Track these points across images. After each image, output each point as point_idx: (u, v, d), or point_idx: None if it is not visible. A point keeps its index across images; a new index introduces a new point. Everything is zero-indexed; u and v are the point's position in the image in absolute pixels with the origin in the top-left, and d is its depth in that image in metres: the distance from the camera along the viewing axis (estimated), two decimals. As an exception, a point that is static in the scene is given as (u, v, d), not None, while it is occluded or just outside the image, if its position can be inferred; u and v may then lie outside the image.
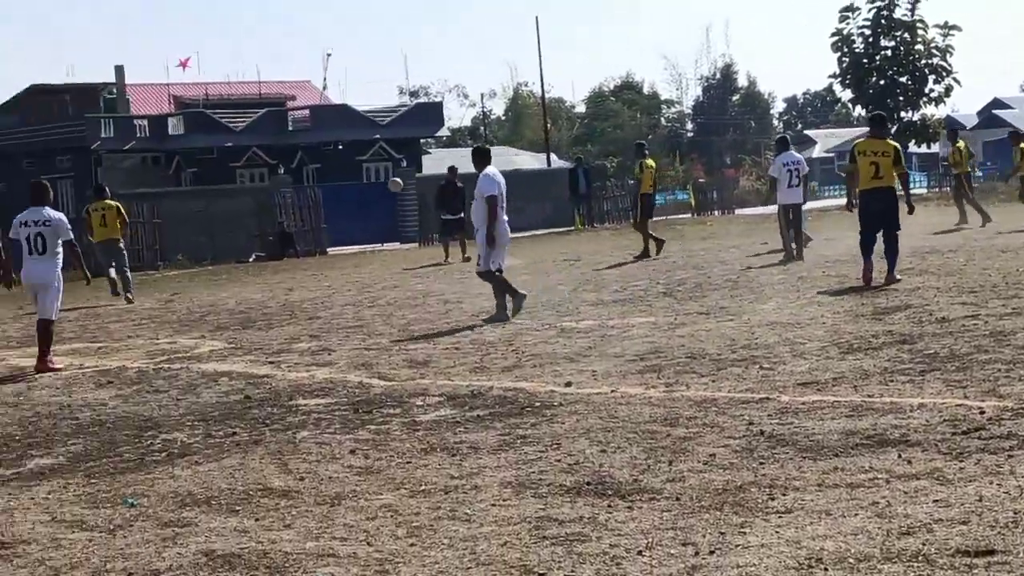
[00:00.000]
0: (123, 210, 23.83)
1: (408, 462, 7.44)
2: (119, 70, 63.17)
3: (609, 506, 6.10)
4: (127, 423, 9.52)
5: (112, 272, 22.43)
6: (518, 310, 14.83)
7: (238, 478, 7.30)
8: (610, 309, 15.07)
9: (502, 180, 15.13)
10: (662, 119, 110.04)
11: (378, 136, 62.18)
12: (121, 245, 23.11)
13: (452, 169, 29.86)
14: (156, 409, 10.08)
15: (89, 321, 19.06)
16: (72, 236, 13.87)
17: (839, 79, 49.22)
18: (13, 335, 17.71)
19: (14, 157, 61.28)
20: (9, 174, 62.96)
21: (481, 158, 15.44)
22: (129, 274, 22.84)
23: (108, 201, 23.89)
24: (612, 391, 9.32)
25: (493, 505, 6.28)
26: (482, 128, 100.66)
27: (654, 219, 26.85)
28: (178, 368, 12.49)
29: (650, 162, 25.26)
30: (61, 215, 13.98)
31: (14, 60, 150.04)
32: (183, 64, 66.70)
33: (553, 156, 74.33)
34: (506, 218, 15.10)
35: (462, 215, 27.63)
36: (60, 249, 13.73)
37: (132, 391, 11.20)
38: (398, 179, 28.08)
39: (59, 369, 13.07)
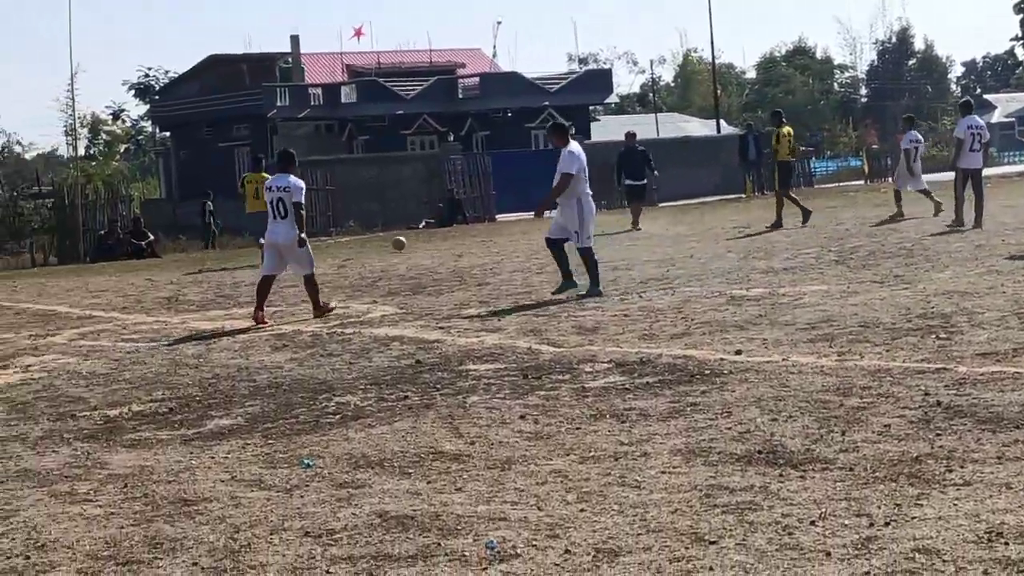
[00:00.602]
0: None
1: (577, 428, 7.46)
2: (294, 40, 64.37)
3: (781, 475, 6.04)
4: (302, 386, 9.71)
5: (262, 240, 22.96)
6: (562, 291, 14.57)
7: (410, 441, 7.40)
8: (781, 277, 14.89)
9: (583, 157, 14.94)
10: (835, 84, 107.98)
11: (547, 103, 62.24)
12: None
13: (631, 135, 29.56)
14: (330, 372, 10.26)
15: (265, 286, 19.44)
16: (301, 199, 14.76)
17: (1022, 42, 47.84)
18: (193, 299, 18.19)
19: (194, 125, 62.88)
20: (189, 142, 64.70)
21: (561, 135, 15.24)
22: None
23: (264, 174, 24.63)
24: (783, 360, 9.21)
25: (663, 472, 6.26)
26: (651, 95, 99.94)
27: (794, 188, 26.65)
28: (351, 332, 12.70)
29: (787, 130, 25.45)
30: (300, 182, 14.95)
31: (194, 31, 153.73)
32: (357, 33, 67.53)
33: (723, 122, 73.59)
34: (590, 192, 14.93)
35: (645, 181, 27.50)
36: (293, 210, 14.70)
37: (307, 354, 11.42)
38: (402, 238, 28.03)
39: (332, 309, 14.72)
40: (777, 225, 23.40)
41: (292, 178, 14.83)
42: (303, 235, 14.68)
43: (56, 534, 5.93)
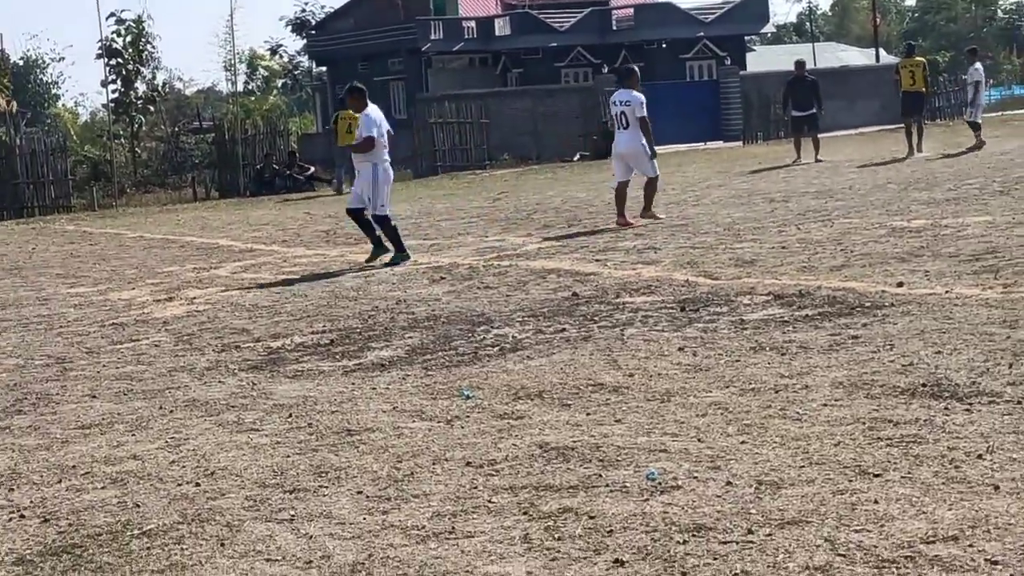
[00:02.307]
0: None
1: (737, 360, 7.40)
2: (448, -28, 64.30)
3: (946, 408, 5.93)
4: (460, 318, 9.79)
5: (342, 173, 27.82)
6: (372, 259, 14.17)
7: (568, 373, 7.42)
8: (943, 208, 14.56)
9: (383, 121, 14.52)
10: (998, 11, 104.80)
11: (702, 34, 61.44)
12: None
13: (800, 63, 28.27)
14: (487, 305, 10.32)
15: (423, 219, 19.64)
16: (644, 112, 16.21)
17: None
18: (351, 232, 18.41)
19: (349, 60, 63.43)
20: (345, 77, 65.12)
21: (359, 98, 14.77)
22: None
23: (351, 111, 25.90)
24: (946, 292, 9.02)
25: (824, 405, 6.19)
26: (808, 24, 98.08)
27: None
28: (507, 265, 12.75)
29: (917, 59, 26.36)
30: (642, 96, 16.33)
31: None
32: (511, -35, 67.27)
33: (882, 51, 71.90)
34: (388, 159, 14.47)
35: (813, 111, 26.75)
36: (637, 123, 16.16)
37: (464, 287, 11.50)
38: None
39: (659, 219, 15.90)
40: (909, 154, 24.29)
41: (634, 92, 16.29)
42: (646, 144, 16.19)
43: (224, 462, 6.08)
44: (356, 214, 14.56)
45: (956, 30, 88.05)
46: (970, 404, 5.97)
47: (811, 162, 25.23)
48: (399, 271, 13.06)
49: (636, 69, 17.57)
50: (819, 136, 26.60)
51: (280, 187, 33.63)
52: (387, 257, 14.07)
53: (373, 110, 14.54)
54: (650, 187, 16.29)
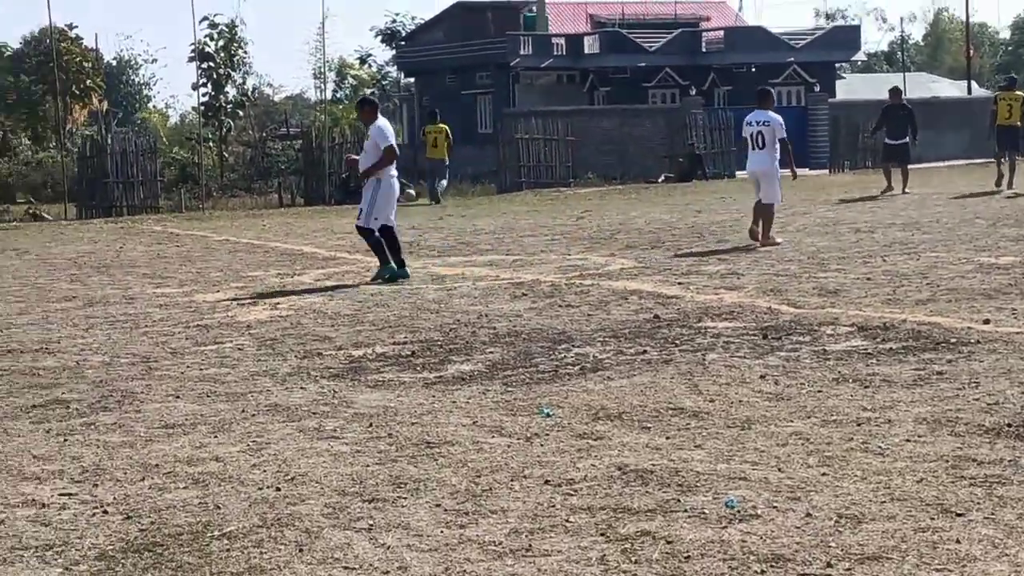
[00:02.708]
0: (450, 134, 29.95)
1: (819, 391, 7.36)
2: (540, -11, 64.49)
3: (1032, 450, 5.86)
4: (541, 335, 9.80)
5: (435, 184, 29.63)
6: (380, 279, 13.96)
7: (649, 396, 7.41)
8: (1034, 245, 14.37)
9: (392, 132, 14.48)
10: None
11: (792, 59, 61.13)
12: (446, 164, 30.16)
13: (896, 91, 27.64)
14: (568, 323, 10.33)
15: (505, 234, 19.69)
16: (784, 134, 16.66)
17: None
18: (434, 244, 18.50)
19: (438, 72, 63.74)
20: (433, 88, 65.63)
21: (370, 109, 14.71)
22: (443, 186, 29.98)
23: (441, 125, 27.63)
24: (1035, 331, 8.90)
25: (907, 440, 6.14)
26: (899, 53, 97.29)
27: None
28: (589, 284, 12.75)
29: (1017, 93, 25.49)
30: (779, 117, 16.88)
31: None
32: (603, -17, 67.40)
33: (974, 84, 71.12)
34: (394, 173, 14.38)
35: (906, 140, 26.10)
36: (777, 145, 16.57)
37: (545, 304, 11.51)
38: (412, 191, 28.41)
39: (777, 244, 15.79)
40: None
41: (771, 113, 16.81)
42: (777, 166, 16.65)
43: (305, 468, 6.13)
44: (387, 231, 14.39)
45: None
46: (1057, 447, 5.90)
47: (899, 193, 24.94)
48: (482, 286, 13.09)
49: (772, 91, 18.21)
50: (908, 167, 26.22)
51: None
52: (389, 274, 14.05)
53: (384, 122, 14.56)
54: (767, 212, 16.33)
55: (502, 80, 59.76)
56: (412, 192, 29.51)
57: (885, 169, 26.71)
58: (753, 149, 16.71)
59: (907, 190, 25.22)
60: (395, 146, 14.33)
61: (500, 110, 51.71)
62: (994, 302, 10.36)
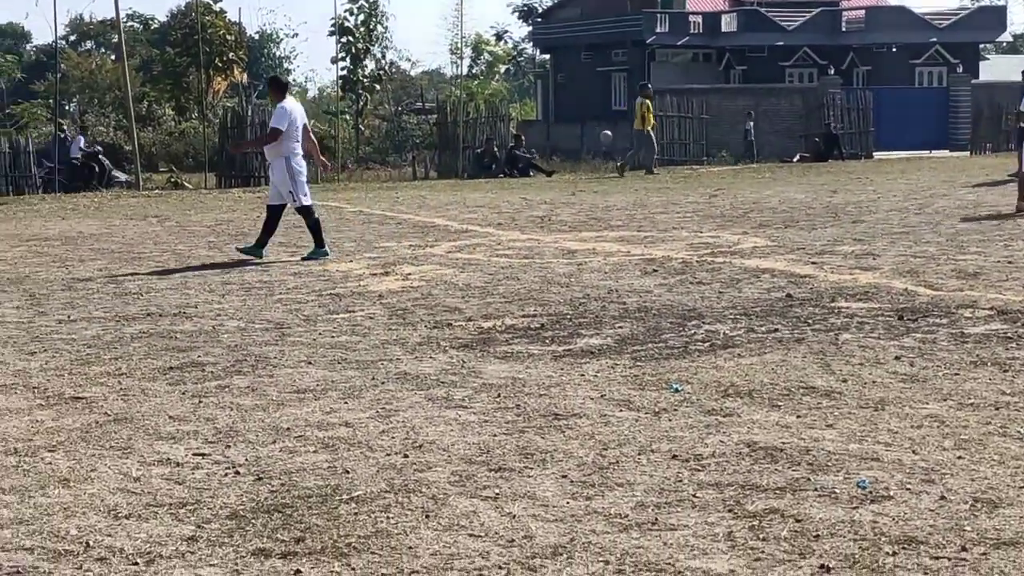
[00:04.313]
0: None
1: (956, 374, 7.20)
2: (677, -34, 64.01)
3: None
4: (671, 311, 9.73)
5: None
6: (314, 257, 14.02)
7: (780, 374, 7.32)
8: None
9: (297, 115, 14.25)
10: None
11: (935, 39, 59.89)
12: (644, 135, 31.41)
13: None
14: (699, 300, 10.24)
15: (636, 211, 19.60)
16: None
17: None
18: (565, 219, 18.47)
19: (573, 49, 63.67)
20: (567, 65, 65.60)
21: (278, 89, 14.58)
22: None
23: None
24: None
25: (1048, 426, 5.98)
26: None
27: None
28: (721, 262, 12.63)
29: None
30: None
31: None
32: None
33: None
34: (300, 152, 14.20)
35: None
36: None
37: (676, 281, 11.43)
38: (608, 132, 28.22)
39: None
40: None
41: None
42: None
43: (432, 436, 6.16)
44: (274, 211, 14.48)
45: None
46: None
47: None
48: (612, 261, 13.03)
49: None
50: None
51: (498, 172, 33.95)
52: (320, 254, 14.16)
53: (289, 102, 14.47)
54: None
55: (637, 57, 59.45)
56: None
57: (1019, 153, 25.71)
58: None
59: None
60: (284, 127, 14.23)
61: (634, 88, 51.44)
62: None
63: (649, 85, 33.93)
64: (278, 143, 14.25)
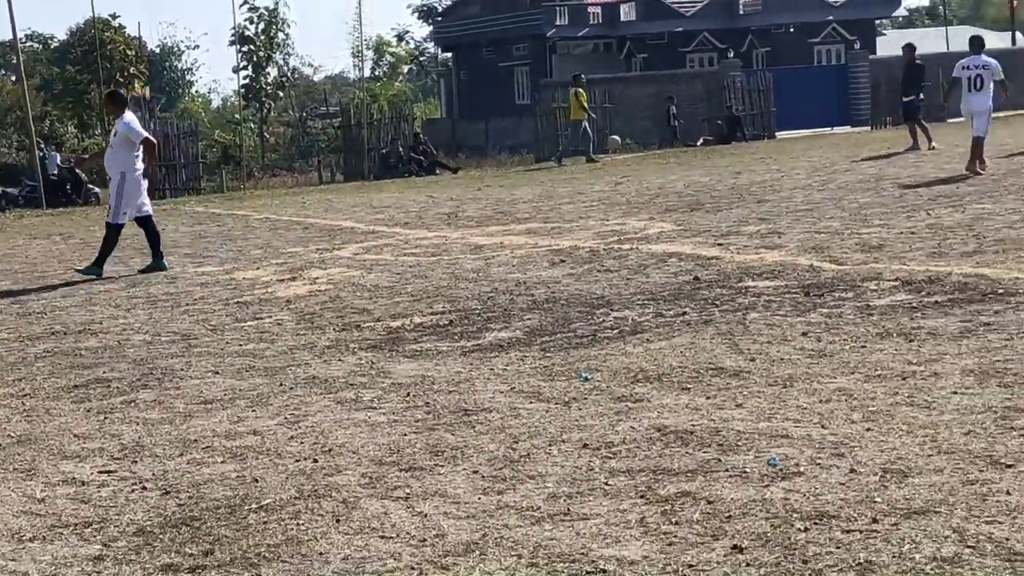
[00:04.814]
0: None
1: (862, 346, 7.23)
2: (574, -43, 64.16)
3: (1082, 399, 5.73)
4: (579, 300, 9.71)
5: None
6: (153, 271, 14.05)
7: (688, 356, 7.31)
8: (1081, 195, 14.12)
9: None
10: None
11: (831, 18, 60.58)
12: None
13: (908, 47, 27.44)
14: (607, 288, 10.23)
15: (543, 202, 19.59)
16: (1001, 75, 18.74)
17: None
18: (472, 215, 18.42)
19: (474, 46, 63.62)
20: (470, 62, 65.56)
21: (117, 103, 14.56)
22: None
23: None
24: (1084, 280, 8.73)
25: (954, 393, 6.01)
26: (941, 7, 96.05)
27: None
28: (628, 249, 12.64)
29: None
30: (995, 61, 18.97)
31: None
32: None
33: (1018, 35, 70.16)
34: (139, 167, 14.07)
35: (911, 97, 25.68)
36: (991, 86, 18.81)
37: (583, 270, 11.42)
38: (616, 137, 28.86)
39: (979, 174, 17.42)
40: None
41: (986, 57, 18.99)
42: (991, 104, 18.77)
43: (342, 439, 6.09)
44: (140, 223, 14.32)
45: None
46: (1107, 394, 5.76)
47: (925, 150, 24.34)
48: (520, 254, 13.00)
49: (983, 36, 20.57)
50: (925, 123, 25.77)
51: (404, 172, 33.88)
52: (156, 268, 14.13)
53: (131, 116, 14.34)
54: (977, 145, 18.00)
55: (539, 51, 59.55)
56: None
57: (910, 127, 26.01)
58: (970, 91, 18.73)
59: (933, 146, 24.63)
60: (152, 139, 14.29)
61: (537, 81, 51.51)
62: (1042, 252, 10.18)
63: (582, 75, 34.19)
64: (122, 155, 13.96)
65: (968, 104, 18.97)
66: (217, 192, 33.83)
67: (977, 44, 19.69)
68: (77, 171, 33.35)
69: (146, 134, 14.23)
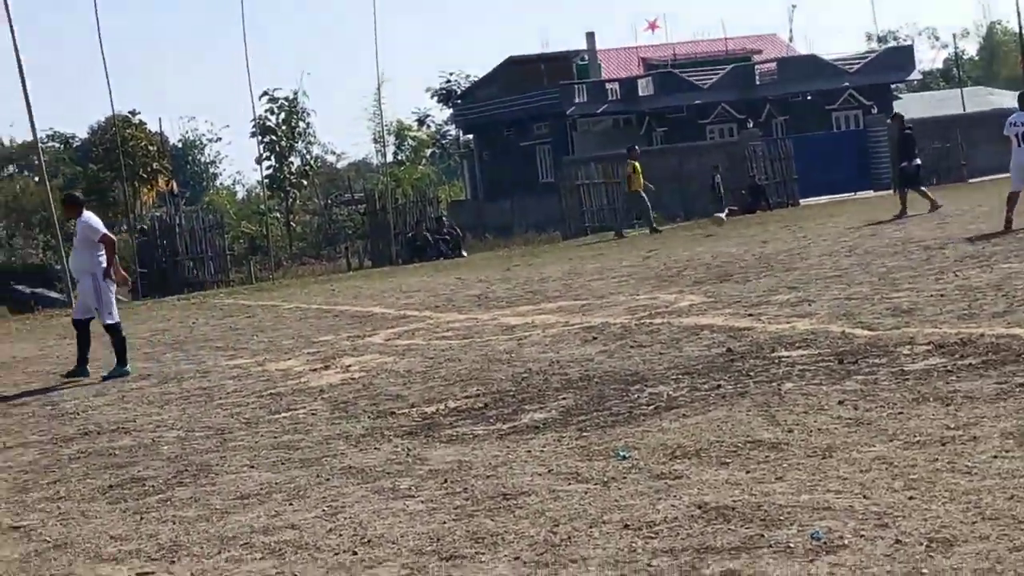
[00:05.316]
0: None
1: (900, 412, 7.18)
2: (590, 37, 64.81)
3: (1126, 458, 5.66)
4: (613, 377, 9.69)
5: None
6: (73, 376, 13.93)
7: (726, 430, 7.27)
8: (1110, 249, 14.03)
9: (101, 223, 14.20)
10: None
11: (847, 84, 60.85)
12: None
13: (898, 117, 28.25)
14: (640, 363, 10.20)
15: (572, 279, 19.61)
16: None
17: None
18: (502, 295, 18.44)
19: (495, 126, 64.07)
20: (492, 143, 65.98)
21: (73, 206, 14.46)
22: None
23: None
24: (1119, 336, 8.65)
25: (995, 457, 5.95)
26: (955, 69, 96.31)
27: None
28: (659, 323, 12.62)
29: None
30: None
31: (492, 34, 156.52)
32: (651, 26, 67.76)
33: (1034, 92, 70.17)
34: (104, 264, 13.88)
35: (904, 164, 26.25)
36: None
37: (616, 346, 11.40)
38: (722, 215, 29.06)
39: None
40: None
41: None
42: None
43: (381, 529, 6.05)
44: (82, 326, 14.21)
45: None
46: None
47: (926, 213, 24.54)
48: (552, 333, 12.99)
49: None
50: (922, 188, 26.19)
51: (432, 255, 34.02)
52: (109, 372, 13.90)
53: (89, 215, 14.28)
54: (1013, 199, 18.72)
55: (559, 129, 59.90)
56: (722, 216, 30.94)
57: (901, 194, 26.18)
58: (1020, 146, 19.09)
59: (938, 206, 24.92)
60: (111, 237, 14.26)
61: (559, 159, 51.76)
62: (1074, 309, 10.11)
63: (636, 147, 34.89)
64: (87, 256, 13.94)
65: (1018, 159, 19.14)
66: (246, 283, 34.00)
67: (1022, 99, 20.01)
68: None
69: (104, 231, 14.14)
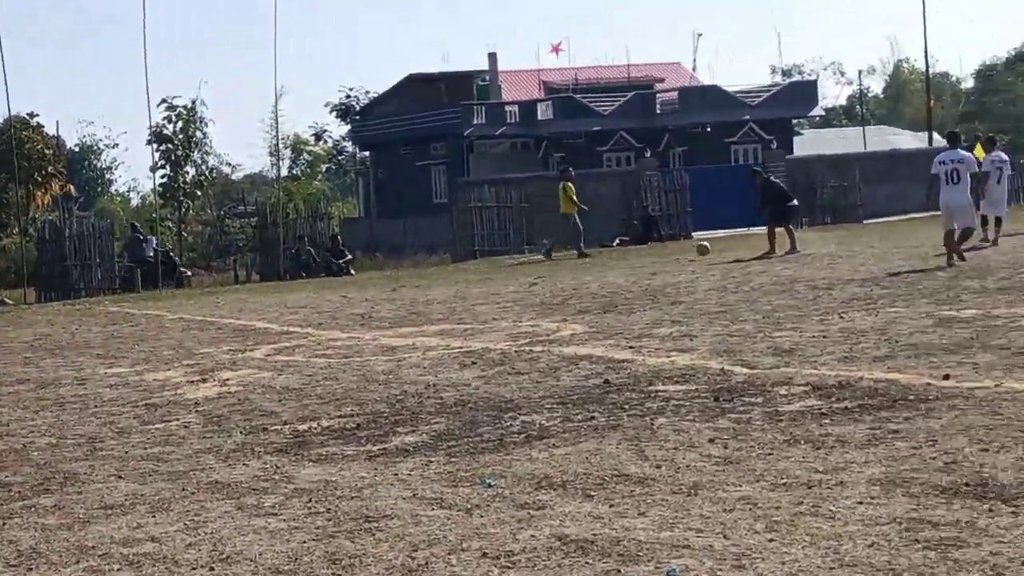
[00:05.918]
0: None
1: (769, 453, 7.20)
2: (492, 57, 64.90)
3: (990, 510, 5.69)
4: (488, 404, 9.64)
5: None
6: None
7: (594, 463, 7.24)
8: (995, 298, 14.24)
9: None
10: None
11: (748, 117, 61.42)
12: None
13: (755, 171, 30.06)
14: (517, 391, 10.17)
15: (457, 303, 19.56)
16: (976, 169, 19.95)
17: None
18: (386, 315, 18.34)
19: (392, 144, 63.88)
20: (388, 161, 65.76)
21: None
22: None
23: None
24: (996, 385, 8.74)
25: (860, 503, 5.97)
26: (859, 107, 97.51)
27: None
28: (539, 351, 12.60)
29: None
30: (971, 155, 19.93)
31: (393, 51, 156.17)
32: (555, 50, 68.04)
33: (935, 135, 71.48)
34: None
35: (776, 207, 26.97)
36: (968, 180, 19.40)
37: (494, 372, 11.36)
38: (704, 243, 29.22)
39: (963, 260, 18.64)
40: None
41: (962, 152, 19.75)
42: (970, 197, 19.52)
43: (240, 546, 5.95)
44: None
45: (1015, 112, 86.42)
46: (1016, 506, 5.72)
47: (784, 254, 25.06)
48: (432, 356, 12.92)
49: (959, 132, 21.88)
50: (790, 227, 27.07)
51: (316, 271, 33.88)
52: None
53: None
54: (965, 235, 19.13)
55: (456, 150, 59.91)
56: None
57: (769, 231, 26.94)
58: (947, 184, 19.24)
59: (796, 251, 25.40)
60: None
61: (455, 180, 51.73)
62: (955, 356, 10.20)
63: (570, 168, 35.08)
64: None
65: (946, 198, 19.37)
66: (132, 291, 33.53)
67: (952, 139, 20.48)
68: (171, 255, 35.61)
69: None
